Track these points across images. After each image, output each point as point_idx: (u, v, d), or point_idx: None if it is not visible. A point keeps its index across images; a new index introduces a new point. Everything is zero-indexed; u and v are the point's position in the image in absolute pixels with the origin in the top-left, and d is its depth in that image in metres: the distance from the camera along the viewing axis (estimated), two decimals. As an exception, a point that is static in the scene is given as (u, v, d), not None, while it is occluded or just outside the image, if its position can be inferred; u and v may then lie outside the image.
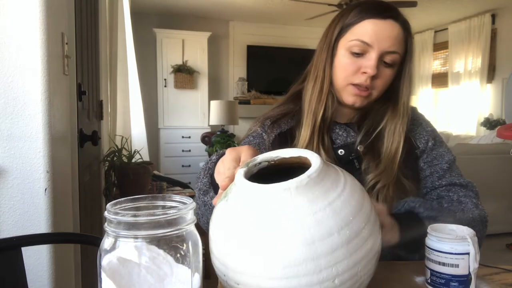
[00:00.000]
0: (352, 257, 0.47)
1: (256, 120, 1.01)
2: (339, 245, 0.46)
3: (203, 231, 0.91)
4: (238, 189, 0.52)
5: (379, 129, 0.92)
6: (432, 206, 0.82)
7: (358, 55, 0.87)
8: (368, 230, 0.50)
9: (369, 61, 0.86)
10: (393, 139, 0.91)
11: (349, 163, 0.91)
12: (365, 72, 0.86)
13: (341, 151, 0.92)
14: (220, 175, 0.63)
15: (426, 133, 0.97)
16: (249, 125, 1.02)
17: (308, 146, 0.90)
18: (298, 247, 0.45)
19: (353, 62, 0.88)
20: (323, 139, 0.91)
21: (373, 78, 0.87)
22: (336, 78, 0.91)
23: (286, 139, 0.94)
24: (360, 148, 0.91)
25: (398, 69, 0.91)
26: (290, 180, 0.48)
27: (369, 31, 0.85)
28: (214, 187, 0.76)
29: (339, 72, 0.90)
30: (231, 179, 0.56)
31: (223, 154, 0.76)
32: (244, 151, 0.61)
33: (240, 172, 0.54)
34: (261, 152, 0.91)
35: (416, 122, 0.98)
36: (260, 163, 0.56)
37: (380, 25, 0.85)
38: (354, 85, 0.88)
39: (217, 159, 0.76)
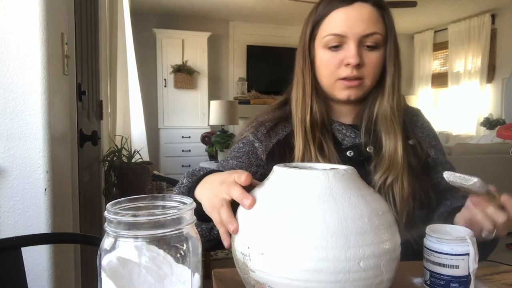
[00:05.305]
0: (378, 246, 0.48)
1: (248, 124, 0.93)
2: (368, 229, 0.48)
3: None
4: (276, 175, 0.56)
5: (373, 119, 0.88)
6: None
7: (337, 47, 0.83)
8: (392, 233, 0.51)
9: (349, 51, 0.82)
10: (387, 128, 0.86)
11: (359, 164, 0.82)
12: (348, 64, 0.82)
13: (350, 152, 0.88)
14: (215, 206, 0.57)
15: (435, 141, 0.96)
16: (240, 128, 0.95)
17: (305, 155, 0.85)
18: (330, 220, 0.47)
19: (333, 57, 0.84)
20: (321, 148, 0.85)
21: (359, 67, 0.83)
22: (322, 77, 0.87)
23: (284, 149, 0.88)
24: (370, 149, 0.88)
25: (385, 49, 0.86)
26: (328, 169, 0.53)
27: (339, 22, 0.82)
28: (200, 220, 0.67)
29: (323, 70, 0.86)
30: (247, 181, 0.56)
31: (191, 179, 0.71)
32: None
33: (279, 165, 0.58)
34: (250, 163, 0.86)
35: (424, 125, 0.98)
36: (295, 167, 0.59)
37: (348, 12, 0.82)
38: (342, 79, 0.84)
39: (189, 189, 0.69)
